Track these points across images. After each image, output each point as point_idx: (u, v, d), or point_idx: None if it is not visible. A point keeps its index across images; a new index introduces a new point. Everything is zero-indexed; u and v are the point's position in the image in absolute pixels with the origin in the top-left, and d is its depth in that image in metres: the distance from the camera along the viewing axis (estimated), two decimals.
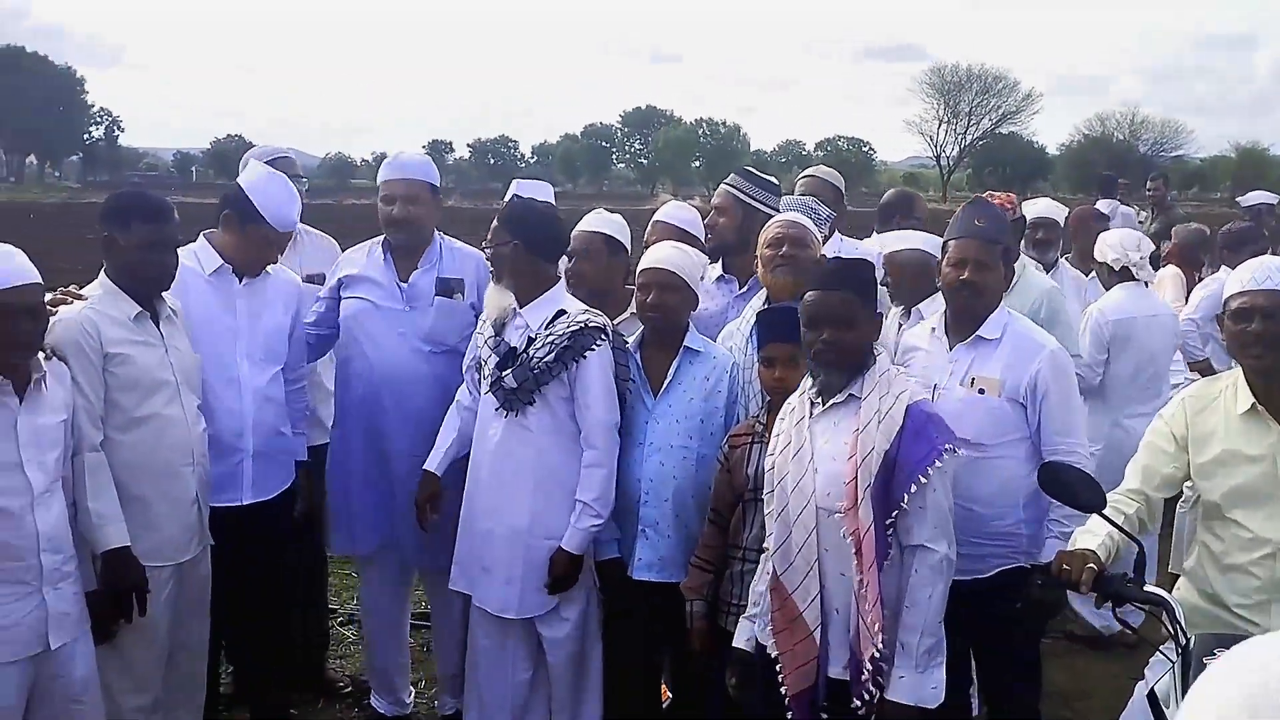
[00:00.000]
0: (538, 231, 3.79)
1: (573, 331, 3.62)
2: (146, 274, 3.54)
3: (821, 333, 2.96)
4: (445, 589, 3.98)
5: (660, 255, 3.78)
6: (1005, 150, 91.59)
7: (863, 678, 2.84)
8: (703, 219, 4.47)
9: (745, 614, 3.25)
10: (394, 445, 4.17)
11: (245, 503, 3.92)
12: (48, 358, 3.23)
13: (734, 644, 3.24)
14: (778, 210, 4.29)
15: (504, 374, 3.64)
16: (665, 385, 3.70)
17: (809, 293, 3.05)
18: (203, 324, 3.85)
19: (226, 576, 3.87)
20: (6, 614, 3.08)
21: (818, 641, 2.93)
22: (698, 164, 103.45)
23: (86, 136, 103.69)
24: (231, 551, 3.86)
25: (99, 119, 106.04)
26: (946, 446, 2.87)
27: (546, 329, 3.67)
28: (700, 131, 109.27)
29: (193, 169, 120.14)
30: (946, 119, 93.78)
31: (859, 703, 2.84)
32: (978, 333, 3.56)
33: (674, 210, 4.55)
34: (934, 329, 3.68)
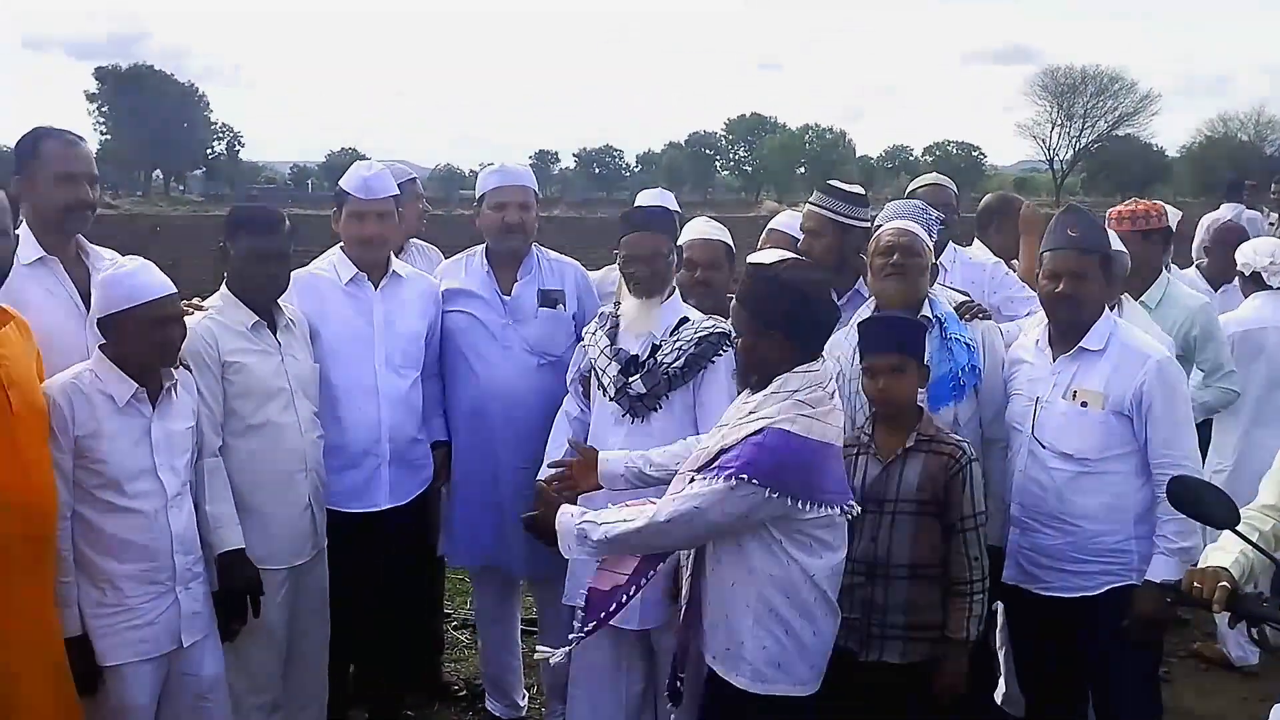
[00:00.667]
0: (674, 240, 3.87)
1: (700, 338, 3.63)
2: (254, 284, 3.66)
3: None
4: (554, 599, 3.98)
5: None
6: (1122, 153, 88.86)
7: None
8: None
9: None
10: (503, 459, 4.17)
11: (382, 508, 4.02)
12: (175, 366, 3.37)
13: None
14: (869, 222, 4.13)
15: (630, 380, 3.65)
16: None
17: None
18: (340, 332, 3.97)
19: (351, 580, 3.97)
20: (144, 612, 3.22)
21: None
22: (802, 170, 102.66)
23: (209, 151, 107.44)
24: (357, 555, 3.96)
25: (220, 134, 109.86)
26: (740, 475, 2.85)
27: (672, 335, 3.67)
28: (805, 138, 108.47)
29: (309, 181, 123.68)
30: (1060, 122, 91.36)
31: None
32: (1080, 344, 3.49)
33: (789, 219, 4.50)
34: (1037, 340, 3.60)
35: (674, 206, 4.42)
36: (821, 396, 2.98)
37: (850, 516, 3.07)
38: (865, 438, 3.43)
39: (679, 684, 3.29)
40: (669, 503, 2.97)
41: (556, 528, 3.10)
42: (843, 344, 3.78)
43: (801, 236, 4.27)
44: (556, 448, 3.91)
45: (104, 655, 3.18)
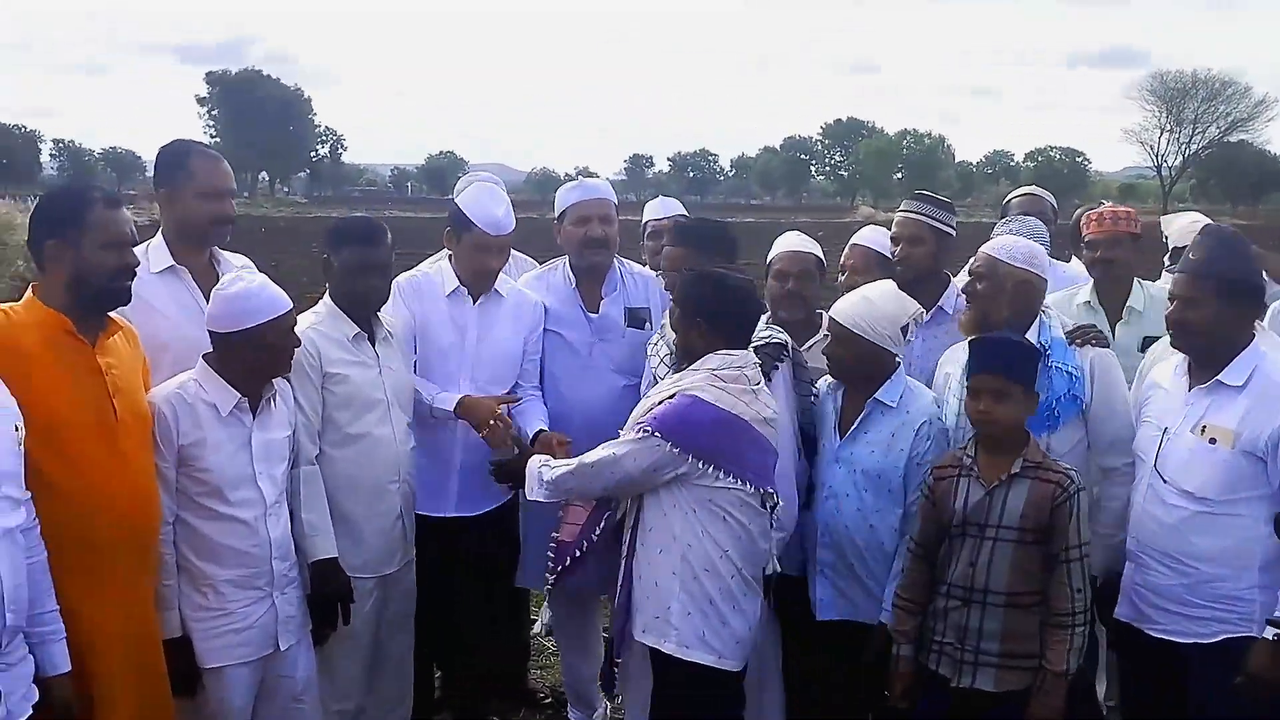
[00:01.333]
0: (725, 255, 3.86)
1: (757, 347, 3.61)
2: (355, 295, 3.70)
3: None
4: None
5: (844, 304, 3.68)
6: (1234, 160, 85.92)
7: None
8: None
9: None
10: None
11: (449, 515, 4.05)
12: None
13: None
14: (955, 232, 4.19)
15: None
16: (850, 432, 3.64)
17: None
18: (434, 341, 4.02)
19: (436, 586, 4.01)
20: (244, 617, 3.30)
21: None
22: (899, 176, 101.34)
23: (313, 154, 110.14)
24: (441, 562, 4.00)
25: (324, 137, 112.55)
26: (648, 429, 3.23)
27: None
28: (903, 143, 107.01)
29: (408, 184, 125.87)
30: (1169, 127, 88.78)
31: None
32: (1218, 377, 3.25)
33: (873, 234, 4.44)
34: (1176, 367, 3.42)
35: (681, 212, 4.75)
36: (738, 375, 3.29)
37: (771, 504, 3.32)
38: (968, 460, 3.34)
39: (614, 669, 3.47)
40: (597, 451, 3.34)
41: (526, 472, 3.52)
42: (954, 363, 3.69)
43: (886, 250, 4.25)
44: None
45: (204, 657, 3.25)
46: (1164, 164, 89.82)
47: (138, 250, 3.39)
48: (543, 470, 3.44)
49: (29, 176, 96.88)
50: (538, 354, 4.22)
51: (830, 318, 3.69)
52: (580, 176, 4.40)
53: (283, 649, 3.39)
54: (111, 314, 3.12)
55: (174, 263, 3.57)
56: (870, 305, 3.61)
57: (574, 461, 3.40)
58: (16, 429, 2.70)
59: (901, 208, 4.26)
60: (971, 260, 3.77)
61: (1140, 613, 3.39)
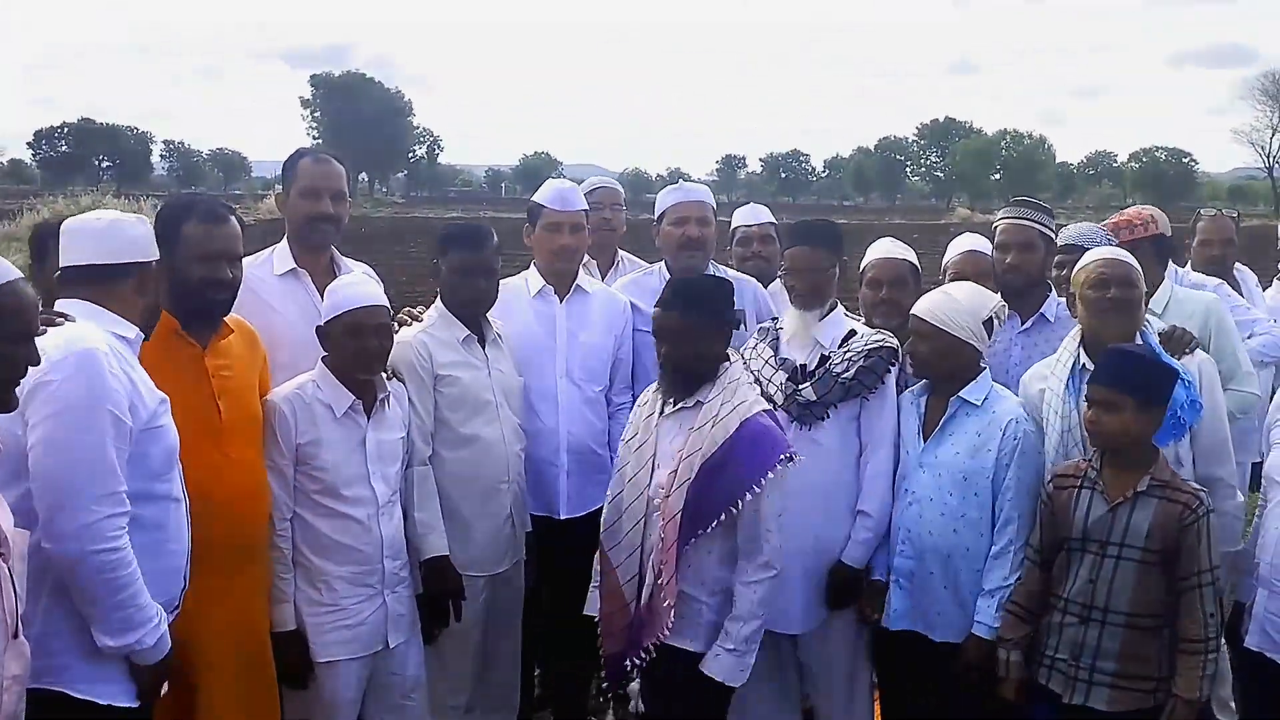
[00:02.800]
0: (839, 253, 3.85)
1: (870, 350, 3.63)
2: (462, 297, 3.76)
3: (662, 347, 3.35)
4: None
5: (927, 302, 3.60)
6: None
7: (643, 645, 3.29)
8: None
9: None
10: None
11: (561, 517, 4.07)
12: (389, 377, 3.50)
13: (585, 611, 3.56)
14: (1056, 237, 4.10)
15: (800, 388, 3.66)
16: (934, 434, 3.56)
17: (655, 310, 3.38)
18: (525, 342, 4.05)
19: (541, 585, 4.05)
20: (355, 613, 3.36)
21: (632, 612, 3.33)
22: (997, 177, 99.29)
23: (411, 155, 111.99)
24: (545, 561, 4.03)
25: (422, 139, 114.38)
26: (782, 458, 3.20)
27: (841, 347, 3.69)
28: (1002, 143, 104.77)
29: (502, 185, 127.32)
30: None
31: (633, 663, 3.33)
32: None
33: (973, 241, 4.30)
34: None
35: (770, 219, 4.86)
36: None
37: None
38: (1093, 472, 3.24)
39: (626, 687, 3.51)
40: (760, 542, 3.24)
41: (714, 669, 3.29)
42: (1051, 377, 3.59)
43: (990, 254, 4.13)
44: None
45: (316, 651, 3.33)
46: (1276, 165, 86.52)
47: (263, 254, 3.49)
48: (730, 650, 3.24)
49: (141, 177, 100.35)
50: (629, 355, 4.24)
51: (912, 315, 3.63)
52: (681, 180, 4.41)
53: (392, 646, 3.44)
54: (228, 316, 3.21)
55: (295, 265, 3.69)
56: (951, 299, 3.57)
57: (753, 594, 3.24)
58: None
59: (1009, 214, 4.11)
60: (1098, 263, 3.55)
61: (1275, 642, 3.24)
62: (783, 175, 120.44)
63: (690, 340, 3.31)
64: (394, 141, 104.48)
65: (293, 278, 3.69)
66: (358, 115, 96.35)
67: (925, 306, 3.58)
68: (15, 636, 2.23)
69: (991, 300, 3.61)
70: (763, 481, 3.17)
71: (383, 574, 3.40)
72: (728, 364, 3.39)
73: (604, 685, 3.42)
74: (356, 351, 3.32)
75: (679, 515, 3.21)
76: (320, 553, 3.33)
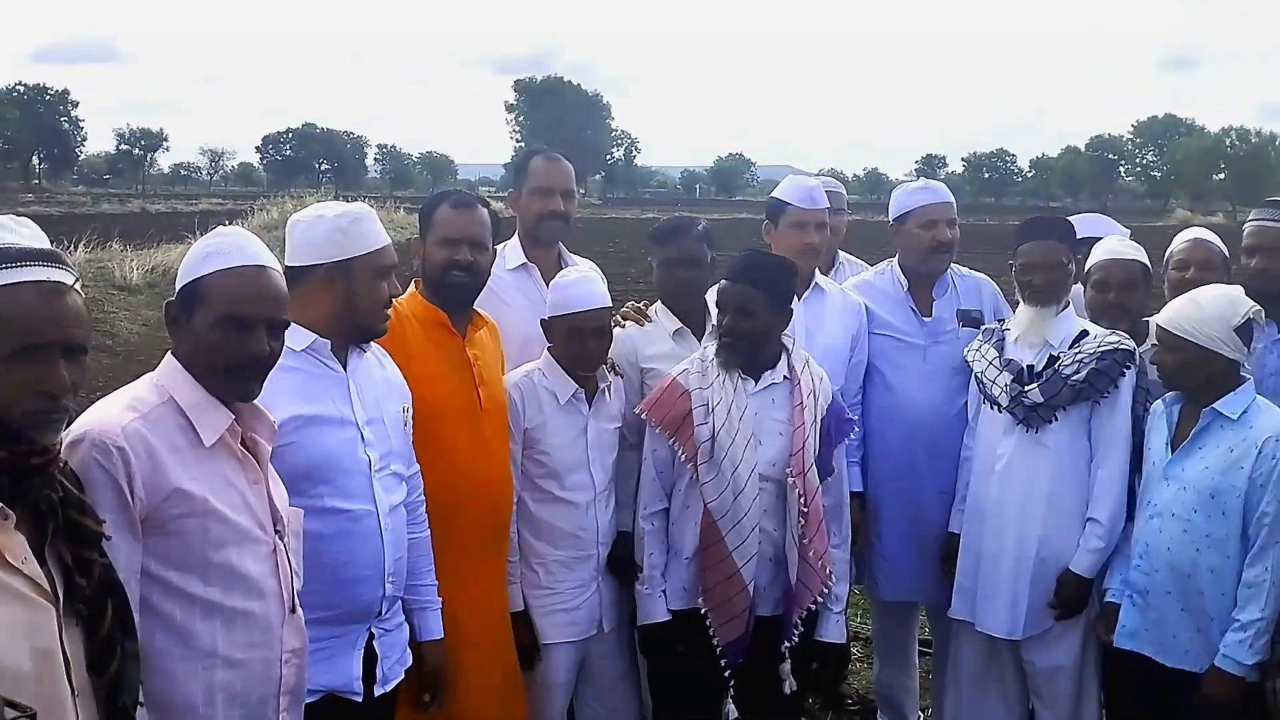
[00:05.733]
0: (1074, 248, 3.75)
1: (1104, 352, 3.48)
2: (666, 288, 3.78)
3: (725, 318, 3.36)
4: (945, 617, 3.92)
5: (1172, 312, 3.32)
6: None
7: (794, 620, 3.36)
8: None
9: (643, 588, 3.46)
10: (928, 487, 4.03)
11: None
12: (610, 370, 3.57)
13: (644, 622, 3.48)
14: None
15: (1026, 389, 3.54)
16: (1183, 446, 3.31)
17: (721, 281, 3.43)
18: None
19: None
20: (571, 597, 3.45)
21: (751, 593, 3.31)
22: (1221, 177, 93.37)
23: (608, 157, 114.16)
24: None
25: (619, 140, 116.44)
26: (857, 425, 3.59)
27: (1072, 348, 3.55)
28: (1227, 141, 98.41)
29: (697, 186, 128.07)
30: None
31: (791, 640, 3.36)
32: None
33: (1200, 232, 4.02)
34: None
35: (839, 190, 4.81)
36: None
37: None
38: None
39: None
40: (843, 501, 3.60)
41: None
42: None
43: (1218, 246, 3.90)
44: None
45: (542, 633, 3.42)
46: None
47: (495, 250, 3.61)
48: (839, 612, 3.53)
49: (357, 179, 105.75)
50: (864, 357, 4.13)
51: (1156, 325, 3.38)
52: (918, 178, 4.26)
53: (606, 631, 3.51)
54: (477, 310, 3.35)
55: (525, 260, 3.82)
56: (1196, 306, 3.28)
57: (844, 553, 3.59)
58: (404, 410, 2.94)
59: (1260, 215, 3.82)
60: None
61: None
62: (986, 175, 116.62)
63: (755, 314, 3.32)
64: (592, 143, 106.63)
65: (523, 272, 3.81)
66: (559, 118, 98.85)
67: (1169, 316, 3.31)
68: (293, 612, 2.34)
69: (1244, 304, 3.29)
70: (843, 444, 3.53)
71: (598, 560, 3.47)
72: (791, 340, 3.46)
73: (725, 673, 3.35)
74: (575, 352, 3.40)
75: (819, 488, 3.36)
76: (541, 537, 3.42)
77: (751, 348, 3.35)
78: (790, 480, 3.29)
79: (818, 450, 3.35)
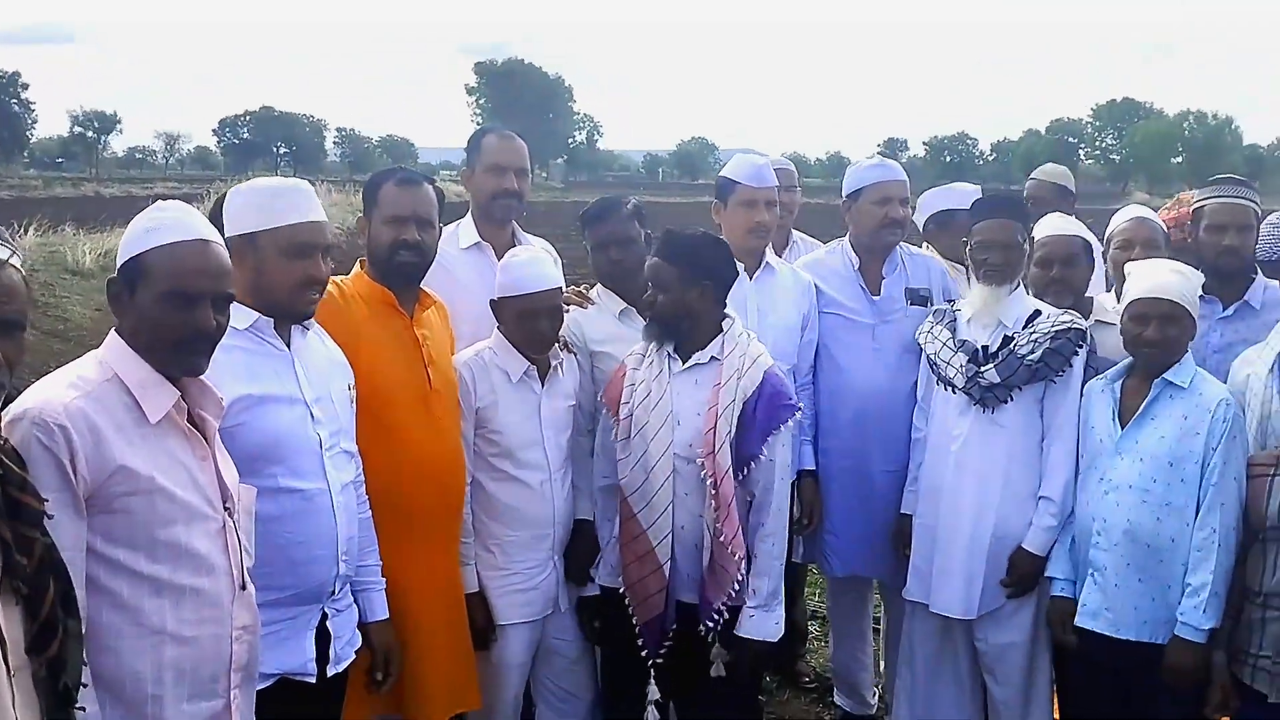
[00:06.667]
0: (1028, 227, 3.76)
1: (1058, 331, 3.50)
2: (601, 271, 3.75)
3: (645, 294, 3.34)
4: (899, 598, 3.95)
5: (1160, 282, 3.33)
6: None
7: (715, 606, 3.24)
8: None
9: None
10: (875, 464, 4.07)
11: None
12: (563, 347, 3.54)
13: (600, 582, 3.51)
14: None
15: (982, 370, 3.57)
16: (1135, 418, 3.35)
17: (650, 259, 3.35)
18: None
19: None
20: (528, 577, 3.43)
21: (667, 574, 3.27)
22: (1179, 160, 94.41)
23: (570, 140, 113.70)
24: None
25: (581, 124, 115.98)
26: (798, 409, 3.34)
27: (1026, 328, 3.57)
28: (1185, 125, 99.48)
29: (660, 169, 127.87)
30: None
31: (707, 625, 3.25)
32: None
33: (1149, 212, 4.08)
34: None
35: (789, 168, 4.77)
36: None
37: None
38: None
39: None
40: (774, 495, 3.29)
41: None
42: (1258, 361, 3.40)
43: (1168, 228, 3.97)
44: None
45: (499, 614, 3.40)
46: None
47: (448, 229, 3.57)
48: (759, 606, 3.26)
49: (315, 162, 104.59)
50: (815, 336, 4.14)
51: (1151, 297, 3.30)
52: (884, 156, 4.29)
53: (563, 610, 3.51)
54: (425, 289, 3.30)
55: (479, 239, 3.78)
56: (1181, 277, 3.33)
57: (770, 545, 3.29)
58: (350, 387, 2.91)
59: (1224, 193, 3.85)
60: None
61: None
62: (947, 159, 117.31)
63: (668, 288, 3.26)
64: (554, 127, 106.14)
65: (476, 251, 3.78)
66: (520, 101, 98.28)
67: (1164, 285, 3.29)
68: (244, 588, 2.32)
69: (1197, 275, 3.41)
70: (780, 430, 3.24)
71: (554, 540, 3.45)
72: (730, 321, 3.35)
73: (643, 655, 3.31)
74: (527, 334, 3.37)
75: (730, 470, 3.20)
76: (496, 517, 3.39)
77: (668, 323, 3.31)
78: (700, 460, 3.24)
79: (733, 432, 3.22)
